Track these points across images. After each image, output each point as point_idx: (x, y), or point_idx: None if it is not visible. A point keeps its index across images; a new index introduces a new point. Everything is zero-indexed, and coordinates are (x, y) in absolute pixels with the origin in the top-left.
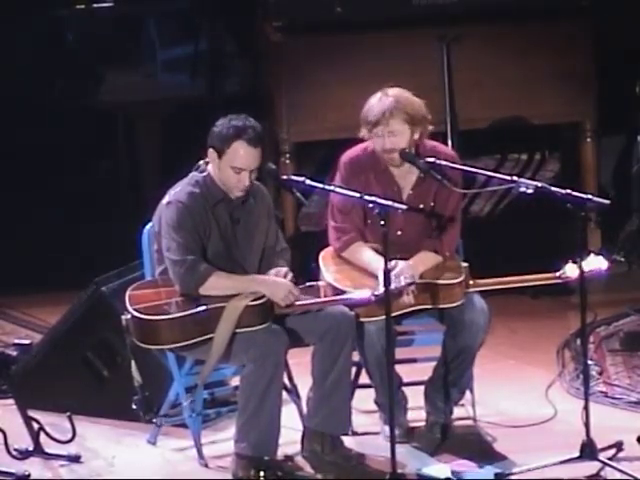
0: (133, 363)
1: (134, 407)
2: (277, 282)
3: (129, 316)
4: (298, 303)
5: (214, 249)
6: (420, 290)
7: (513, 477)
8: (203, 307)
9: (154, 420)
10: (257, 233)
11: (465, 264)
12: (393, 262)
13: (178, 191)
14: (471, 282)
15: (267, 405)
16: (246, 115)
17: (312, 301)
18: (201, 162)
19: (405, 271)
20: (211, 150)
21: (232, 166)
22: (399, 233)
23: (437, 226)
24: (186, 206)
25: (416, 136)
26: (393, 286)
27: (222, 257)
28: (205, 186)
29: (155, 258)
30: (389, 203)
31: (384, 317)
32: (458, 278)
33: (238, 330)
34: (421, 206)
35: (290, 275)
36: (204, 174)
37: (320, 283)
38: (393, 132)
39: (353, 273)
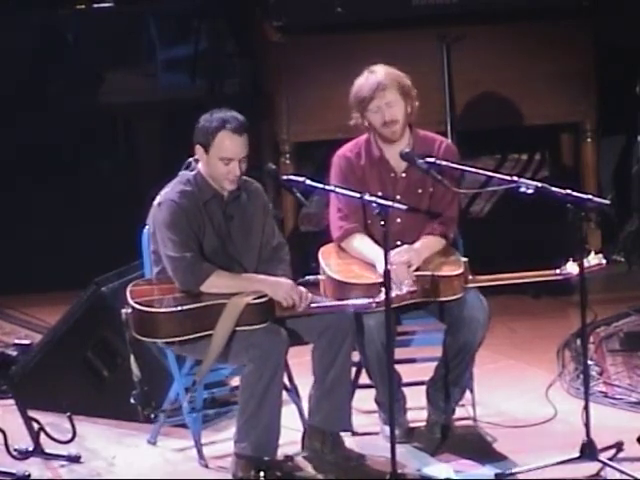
0: (132, 357)
1: (132, 401)
2: (279, 281)
3: (129, 310)
4: (299, 310)
5: (210, 246)
6: (420, 282)
7: (513, 477)
8: (203, 303)
9: (152, 415)
10: (253, 229)
11: (465, 259)
12: (396, 250)
13: (169, 190)
14: (470, 277)
15: (267, 405)
16: (228, 108)
17: (314, 305)
18: (190, 159)
19: (407, 276)
20: (197, 146)
21: (220, 157)
22: (398, 220)
23: (437, 210)
24: (178, 204)
25: (409, 109)
26: (394, 294)
27: (218, 254)
28: (196, 184)
29: (152, 259)
30: (389, 203)
31: (384, 310)
32: (457, 271)
33: (238, 328)
34: (419, 191)
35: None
36: (194, 172)
37: (320, 277)
38: (390, 103)
39: (354, 266)
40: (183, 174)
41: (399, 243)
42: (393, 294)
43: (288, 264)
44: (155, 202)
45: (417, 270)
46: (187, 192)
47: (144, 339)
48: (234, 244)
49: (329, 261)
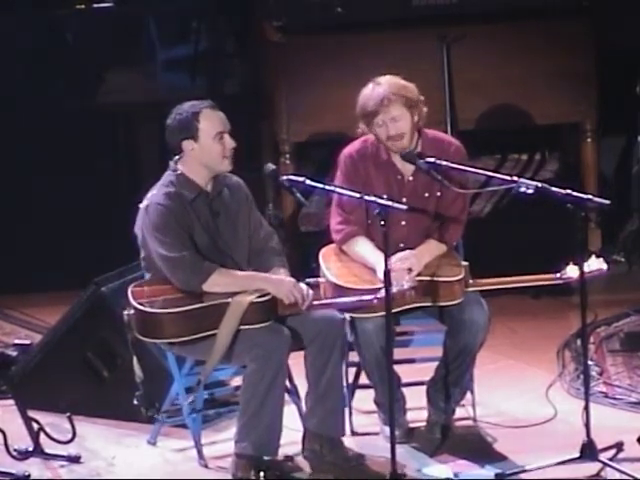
0: (135, 359)
1: (135, 402)
2: (281, 279)
3: (131, 311)
4: (302, 308)
5: (200, 244)
6: (420, 287)
7: (513, 477)
8: (206, 303)
9: (155, 416)
10: (239, 222)
11: (465, 263)
12: (397, 256)
13: (154, 194)
14: (471, 281)
15: (269, 405)
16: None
17: (316, 303)
18: (170, 162)
19: (407, 274)
20: (185, 142)
21: (214, 135)
22: (403, 223)
23: (443, 215)
24: (165, 206)
25: (416, 119)
26: (395, 290)
27: (209, 251)
28: (179, 184)
29: (142, 266)
30: (389, 203)
31: (383, 314)
32: (458, 276)
33: (241, 327)
34: (426, 195)
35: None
36: (177, 173)
37: (320, 280)
38: (394, 118)
39: (354, 270)
40: (165, 176)
41: (402, 246)
42: (394, 290)
43: (282, 254)
44: (141, 206)
45: (418, 275)
46: (172, 193)
47: (147, 340)
48: (223, 239)
49: (329, 264)
